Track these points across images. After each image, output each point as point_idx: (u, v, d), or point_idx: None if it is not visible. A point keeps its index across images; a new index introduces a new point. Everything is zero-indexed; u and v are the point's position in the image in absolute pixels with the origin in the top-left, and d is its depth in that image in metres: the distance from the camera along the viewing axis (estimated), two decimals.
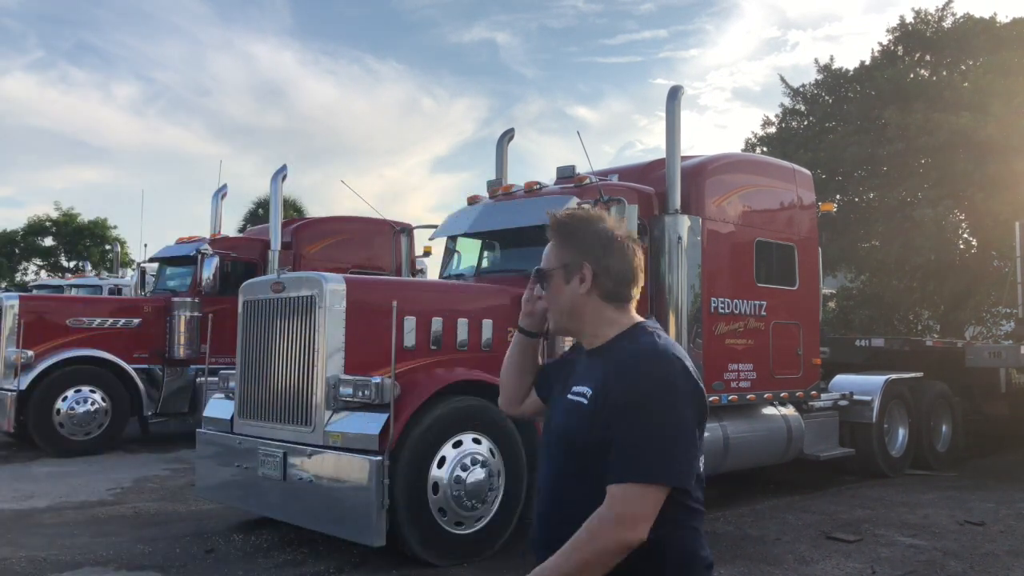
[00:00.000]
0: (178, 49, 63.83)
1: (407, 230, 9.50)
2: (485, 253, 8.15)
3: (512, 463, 6.18)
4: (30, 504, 7.88)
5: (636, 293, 2.08)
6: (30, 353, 10.60)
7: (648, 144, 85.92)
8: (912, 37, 18.35)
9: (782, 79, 19.83)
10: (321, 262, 11.96)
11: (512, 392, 2.39)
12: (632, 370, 1.87)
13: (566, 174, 7.76)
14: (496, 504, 6.07)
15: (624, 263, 2.05)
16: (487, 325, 6.71)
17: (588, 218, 2.10)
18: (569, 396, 1.99)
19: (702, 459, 1.96)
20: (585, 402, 1.93)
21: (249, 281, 7.05)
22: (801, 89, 19.57)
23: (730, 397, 7.94)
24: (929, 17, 18.24)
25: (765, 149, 18.85)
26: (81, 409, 10.81)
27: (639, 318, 2.08)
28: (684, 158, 7.95)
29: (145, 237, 45.24)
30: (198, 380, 11.39)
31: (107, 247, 33.00)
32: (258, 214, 31.01)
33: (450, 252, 8.47)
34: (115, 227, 35.03)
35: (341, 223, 13.35)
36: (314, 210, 33.96)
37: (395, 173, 76.82)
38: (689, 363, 1.93)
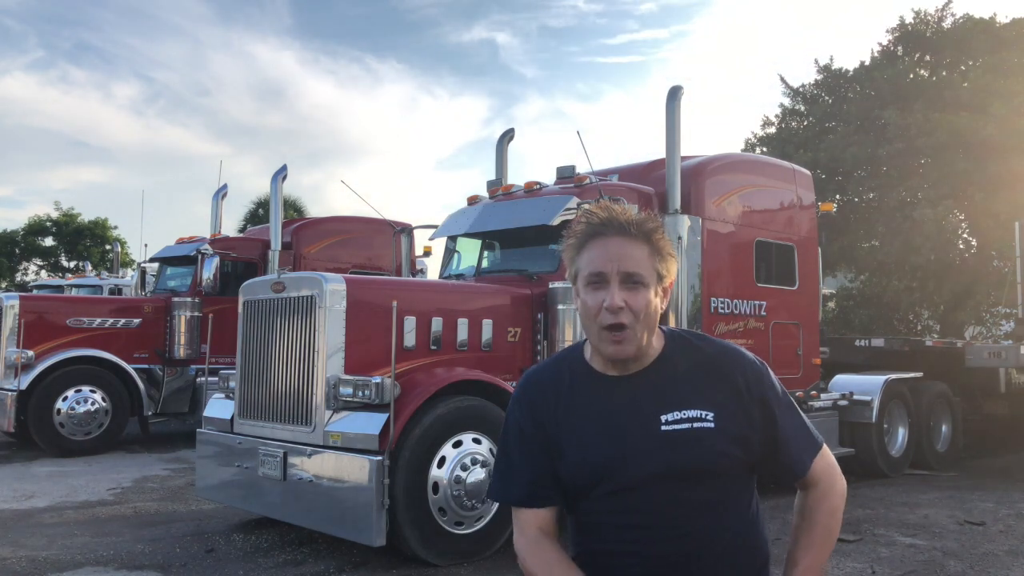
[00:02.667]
0: (178, 49, 63.88)
1: (407, 230, 9.50)
2: (485, 253, 8.16)
3: None
4: (30, 504, 7.88)
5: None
6: (30, 353, 10.60)
7: (648, 144, 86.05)
8: (912, 37, 18.35)
9: (782, 79, 19.85)
10: (321, 262, 11.98)
11: None
12: None
13: (566, 174, 7.77)
14: (496, 504, 6.07)
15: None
16: (487, 325, 6.71)
17: None
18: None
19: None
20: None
21: (249, 281, 7.05)
22: (801, 89, 19.57)
23: None
24: (929, 17, 18.24)
25: (765, 149, 18.85)
26: (81, 409, 10.81)
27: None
28: (684, 158, 7.96)
29: (145, 237, 45.29)
30: (198, 380, 11.39)
31: (107, 247, 33.03)
32: (258, 214, 31.02)
33: (450, 252, 8.48)
34: (115, 227, 35.12)
35: (341, 223, 13.36)
36: (314, 210, 33.97)
37: (395, 173, 76.86)
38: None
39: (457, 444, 5.94)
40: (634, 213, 1.86)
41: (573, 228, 1.88)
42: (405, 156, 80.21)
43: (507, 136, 9.31)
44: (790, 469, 1.88)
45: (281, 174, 11.72)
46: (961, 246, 17.62)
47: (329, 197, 66.63)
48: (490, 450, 6.08)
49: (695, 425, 1.77)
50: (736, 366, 1.85)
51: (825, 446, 1.94)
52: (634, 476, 1.78)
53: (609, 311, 1.76)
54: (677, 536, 1.79)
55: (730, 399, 1.81)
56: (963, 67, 17.54)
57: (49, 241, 34.67)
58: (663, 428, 1.78)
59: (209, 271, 11.52)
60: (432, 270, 11.16)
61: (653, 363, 1.86)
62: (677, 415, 1.78)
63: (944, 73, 17.67)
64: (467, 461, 5.93)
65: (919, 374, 10.94)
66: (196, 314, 11.59)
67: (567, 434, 1.86)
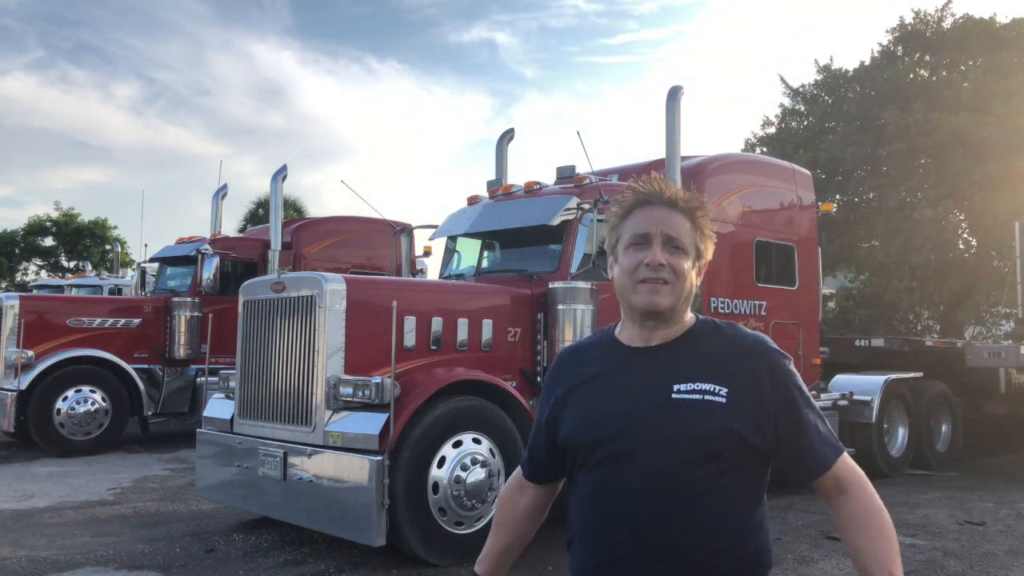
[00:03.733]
0: (178, 49, 63.84)
1: (407, 230, 9.49)
2: (485, 253, 8.16)
3: (512, 463, 6.18)
4: (30, 504, 7.88)
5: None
6: (30, 353, 10.60)
7: (648, 144, 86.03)
8: (911, 37, 18.35)
9: (782, 79, 19.85)
10: (321, 262, 11.98)
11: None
12: None
13: (566, 174, 7.76)
14: (496, 504, 6.06)
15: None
16: (487, 325, 6.71)
17: None
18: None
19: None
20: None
21: (249, 281, 7.05)
22: (801, 89, 19.56)
23: None
24: (928, 18, 18.24)
25: (765, 149, 18.85)
26: (81, 409, 10.81)
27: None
28: (684, 158, 7.95)
29: (145, 237, 45.19)
30: (198, 380, 11.40)
31: (107, 247, 33.00)
32: (258, 214, 31.01)
33: (450, 252, 8.47)
34: (115, 227, 35.08)
35: (341, 223, 13.37)
36: (314, 210, 33.97)
37: (395, 173, 76.89)
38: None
39: (457, 444, 5.94)
40: (681, 191, 1.90)
41: (619, 199, 1.90)
42: (405, 156, 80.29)
43: (507, 136, 9.30)
44: (813, 464, 1.80)
45: (281, 174, 11.71)
46: (961, 246, 17.63)
47: (329, 197, 66.69)
48: (490, 450, 6.09)
49: (706, 397, 1.74)
50: (761, 353, 1.81)
51: (847, 454, 1.86)
52: (630, 441, 1.76)
53: (650, 267, 1.78)
54: (658, 515, 1.73)
55: (749, 382, 1.76)
56: (963, 67, 17.54)
57: (49, 241, 34.65)
58: (674, 396, 1.76)
59: (209, 271, 11.52)
60: (432, 270, 11.16)
61: (678, 339, 1.85)
62: (690, 386, 1.76)
63: (944, 73, 17.67)
64: (467, 461, 5.93)
65: (919, 374, 10.95)
66: (196, 314, 11.59)
67: (579, 398, 1.89)
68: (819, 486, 1.82)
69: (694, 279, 1.84)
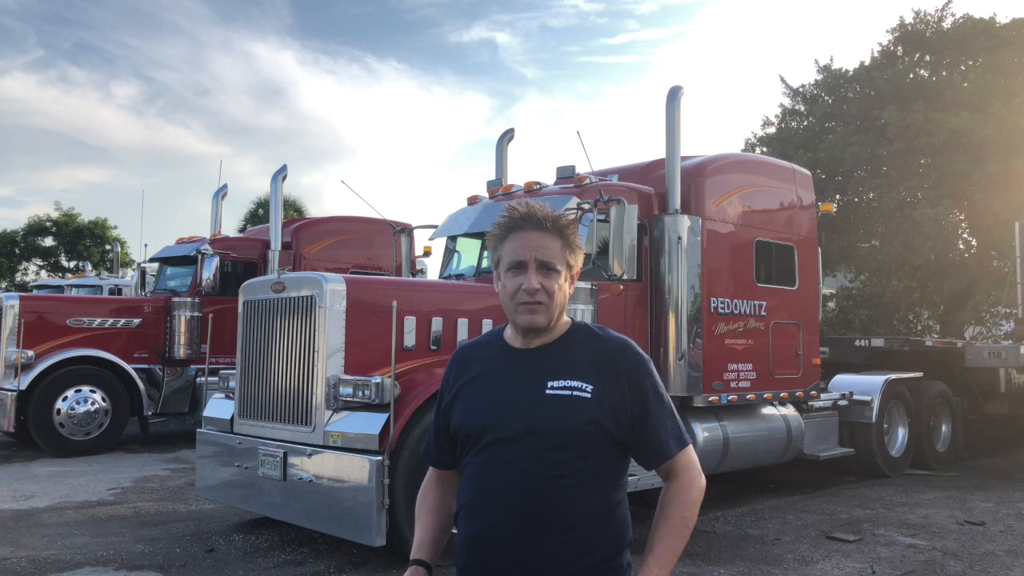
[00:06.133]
0: (178, 49, 63.80)
1: (407, 230, 9.50)
2: (485, 253, 8.15)
3: None
4: (30, 504, 7.88)
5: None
6: (30, 353, 10.61)
7: (648, 144, 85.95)
8: (911, 37, 18.34)
9: (782, 79, 19.82)
10: (321, 262, 11.99)
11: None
12: None
13: (566, 174, 7.76)
14: None
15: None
16: (487, 325, 6.70)
17: None
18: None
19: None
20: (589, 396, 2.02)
21: (249, 281, 7.05)
22: (801, 89, 19.56)
23: (730, 397, 7.95)
24: (928, 18, 18.23)
25: (765, 149, 18.84)
26: (81, 409, 10.82)
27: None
28: (684, 158, 7.96)
29: (145, 237, 45.30)
30: (198, 380, 11.40)
31: (107, 247, 33.00)
32: (258, 214, 31.03)
33: (450, 252, 8.47)
34: (115, 227, 35.04)
35: (341, 223, 13.37)
36: (314, 210, 33.96)
37: (396, 173, 76.89)
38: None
39: None
40: (550, 211, 2.09)
41: (497, 221, 2.10)
42: (405, 156, 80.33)
43: (507, 136, 9.31)
44: (656, 452, 2.05)
45: (281, 174, 11.73)
46: (961, 246, 17.63)
47: (329, 197, 66.68)
48: None
49: (574, 393, 2.00)
50: (621, 353, 2.07)
51: (692, 448, 2.11)
52: (510, 428, 2.00)
53: (527, 292, 2.01)
54: (529, 491, 1.95)
55: (611, 379, 2.02)
56: (963, 67, 17.53)
57: (49, 241, 34.60)
58: (547, 392, 2.01)
59: (209, 271, 11.52)
60: (432, 270, 11.16)
61: (555, 341, 2.09)
62: (561, 383, 2.01)
63: (944, 73, 17.65)
64: None
65: (919, 374, 10.95)
66: (196, 314, 11.60)
67: (469, 390, 2.12)
68: (659, 470, 2.09)
69: (567, 290, 2.08)
